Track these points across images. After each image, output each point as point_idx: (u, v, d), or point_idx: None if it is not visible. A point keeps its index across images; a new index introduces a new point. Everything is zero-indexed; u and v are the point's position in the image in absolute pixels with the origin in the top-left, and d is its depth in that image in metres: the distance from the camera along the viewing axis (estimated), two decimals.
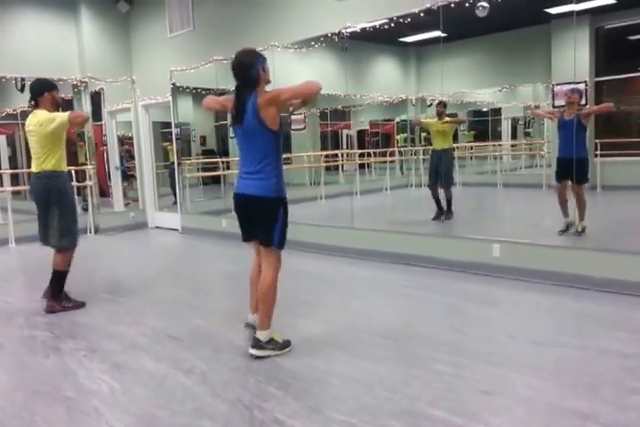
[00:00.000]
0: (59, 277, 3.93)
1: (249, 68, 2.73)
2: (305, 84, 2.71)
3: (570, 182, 4.96)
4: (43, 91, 3.84)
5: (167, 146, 8.97)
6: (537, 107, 7.81)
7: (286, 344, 2.98)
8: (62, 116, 3.78)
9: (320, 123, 9.00)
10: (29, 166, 4.00)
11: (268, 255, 2.90)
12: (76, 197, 8.02)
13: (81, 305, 4.01)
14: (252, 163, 2.79)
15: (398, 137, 9.22)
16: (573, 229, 4.80)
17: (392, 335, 3.20)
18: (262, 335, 2.89)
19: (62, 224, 3.85)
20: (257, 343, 2.88)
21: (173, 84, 7.58)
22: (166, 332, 3.43)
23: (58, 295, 3.94)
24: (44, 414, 2.41)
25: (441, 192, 6.24)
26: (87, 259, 6.23)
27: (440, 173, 6.26)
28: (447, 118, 6.46)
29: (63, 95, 7.88)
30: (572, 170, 4.92)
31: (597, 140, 5.80)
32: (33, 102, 3.86)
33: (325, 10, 5.72)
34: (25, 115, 8.49)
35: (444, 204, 6.22)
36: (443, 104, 6.47)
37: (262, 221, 2.83)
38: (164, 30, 7.76)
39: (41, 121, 3.76)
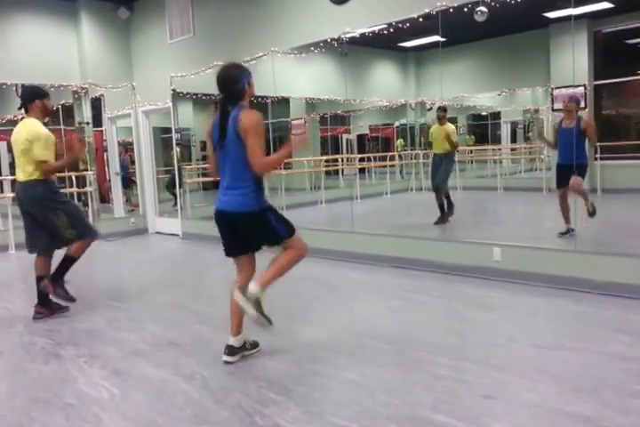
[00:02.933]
0: (68, 262, 3.89)
1: (235, 83, 2.69)
2: (258, 155, 2.63)
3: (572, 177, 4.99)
4: (33, 98, 3.82)
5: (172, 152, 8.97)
6: (536, 111, 7.82)
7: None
8: (37, 153, 3.70)
9: (320, 127, 9.01)
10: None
11: (288, 246, 2.81)
12: (76, 203, 8.08)
13: (70, 299, 3.93)
14: (233, 177, 2.74)
15: (397, 142, 9.23)
16: (585, 213, 4.79)
17: (393, 340, 3.19)
18: (254, 288, 2.67)
19: (71, 218, 3.82)
20: (244, 297, 2.67)
21: (173, 90, 7.60)
22: (167, 338, 3.42)
23: (57, 280, 3.87)
24: (43, 420, 2.40)
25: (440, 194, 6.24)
26: (88, 265, 6.22)
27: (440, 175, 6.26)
28: (449, 124, 6.44)
29: (64, 101, 7.94)
30: (570, 174, 4.93)
31: (597, 144, 5.80)
32: (23, 109, 3.86)
33: (325, 15, 5.74)
34: None
35: (442, 210, 6.19)
36: (443, 109, 6.47)
37: (256, 232, 2.77)
38: (164, 36, 7.79)
39: (27, 136, 3.72)
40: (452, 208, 6.18)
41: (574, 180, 4.90)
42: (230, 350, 2.91)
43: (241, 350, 2.95)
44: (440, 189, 6.22)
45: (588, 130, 4.95)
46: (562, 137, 5.04)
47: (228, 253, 2.91)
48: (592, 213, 4.79)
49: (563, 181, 5.02)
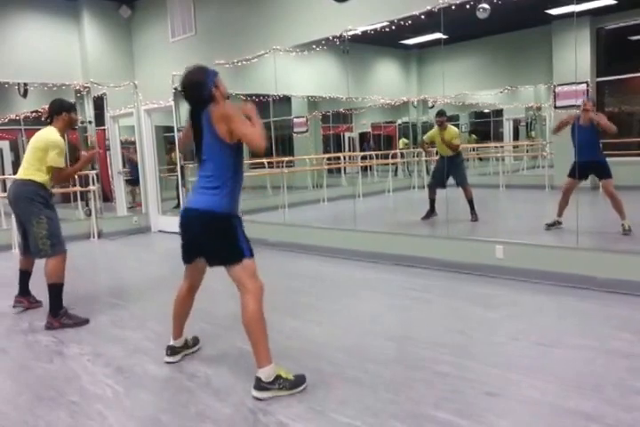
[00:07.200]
0: (55, 292, 3.74)
1: (201, 88, 2.52)
2: (254, 133, 2.45)
3: (591, 179, 5.11)
4: (61, 110, 3.87)
5: (172, 156, 8.98)
6: (539, 108, 7.81)
7: (299, 382, 2.53)
8: (54, 159, 3.73)
9: (322, 126, 9.01)
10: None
11: (241, 275, 2.54)
12: (79, 202, 8.11)
13: (83, 322, 3.75)
14: (207, 177, 2.57)
15: (400, 141, 9.23)
16: (621, 229, 4.79)
17: (395, 337, 3.19)
18: (264, 374, 2.48)
19: (51, 227, 3.75)
20: (258, 384, 2.48)
21: (175, 89, 7.60)
22: (170, 336, 3.42)
23: (56, 311, 3.71)
24: (47, 418, 2.41)
25: (438, 192, 6.24)
26: (90, 263, 6.24)
27: (444, 177, 6.25)
28: (450, 127, 6.40)
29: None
30: (590, 172, 5.06)
31: (600, 141, 5.79)
32: (49, 120, 3.89)
33: (327, 13, 5.73)
34: (27, 120, 8.54)
35: (472, 206, 6.17)
36: (441, 113, 6.37)
37: (218, 240, 2.55)
38: (166, 35, 7.79)
39: (47, 142, 3.75)
40: (474, 215, 6.10)
41: (605, 182, 4.99)
42: (172, 351, 2.97)
43: (183, 349, 3.02)
44: (464, 186, 6.24)
45: (600, 122, 4.90)
46: (579, 135, 5.02)
47: (186, 258, 2.81)
48: (627, 231, 4.75)
49: (576, 174, 5.02)
